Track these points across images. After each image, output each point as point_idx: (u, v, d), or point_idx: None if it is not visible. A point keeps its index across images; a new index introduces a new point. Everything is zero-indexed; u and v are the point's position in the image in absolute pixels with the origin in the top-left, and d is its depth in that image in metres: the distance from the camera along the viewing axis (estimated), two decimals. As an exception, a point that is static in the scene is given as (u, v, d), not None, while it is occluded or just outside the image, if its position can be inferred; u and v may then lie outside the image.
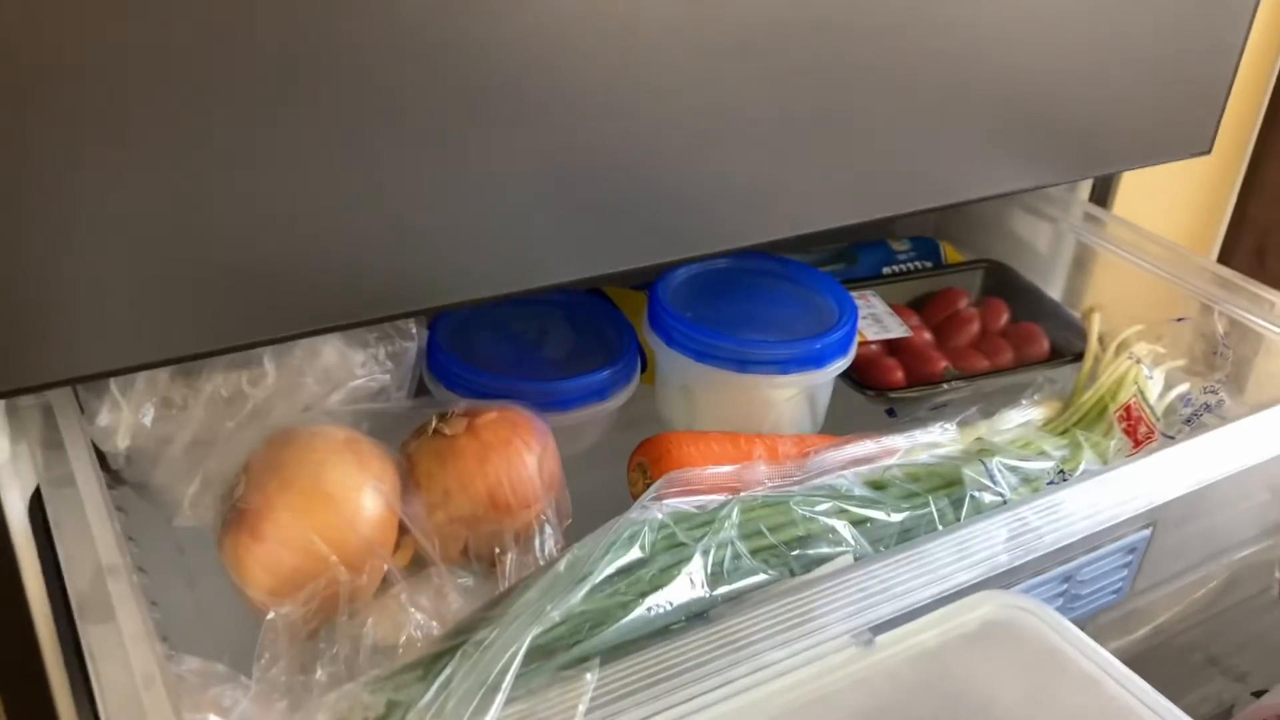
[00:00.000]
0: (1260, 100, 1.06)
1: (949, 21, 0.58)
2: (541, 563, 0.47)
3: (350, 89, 0.44)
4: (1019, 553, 0.46)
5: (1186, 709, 0.69)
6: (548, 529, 0.49)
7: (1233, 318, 0.70)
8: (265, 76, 0.42)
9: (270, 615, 0.45)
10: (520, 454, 0.54)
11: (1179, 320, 0.71)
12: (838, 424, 0.68)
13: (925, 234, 0.85)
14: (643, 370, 0.69)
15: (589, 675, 0.38)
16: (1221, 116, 0.72)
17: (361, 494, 0.49)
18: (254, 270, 0.46)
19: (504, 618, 0.39)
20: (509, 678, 0.36)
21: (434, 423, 0.55)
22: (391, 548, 0.51)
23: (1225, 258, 1.14)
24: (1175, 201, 1.09)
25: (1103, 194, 0.95)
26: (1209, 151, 0.73)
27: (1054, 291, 0.82)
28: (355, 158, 0.45)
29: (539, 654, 0.41)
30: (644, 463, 0.59)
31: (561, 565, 0.42)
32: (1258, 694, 0.66)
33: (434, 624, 0.43)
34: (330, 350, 0.56)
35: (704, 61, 0.51)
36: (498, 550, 0.49)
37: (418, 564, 0.50)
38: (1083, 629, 0.59)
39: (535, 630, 0.38)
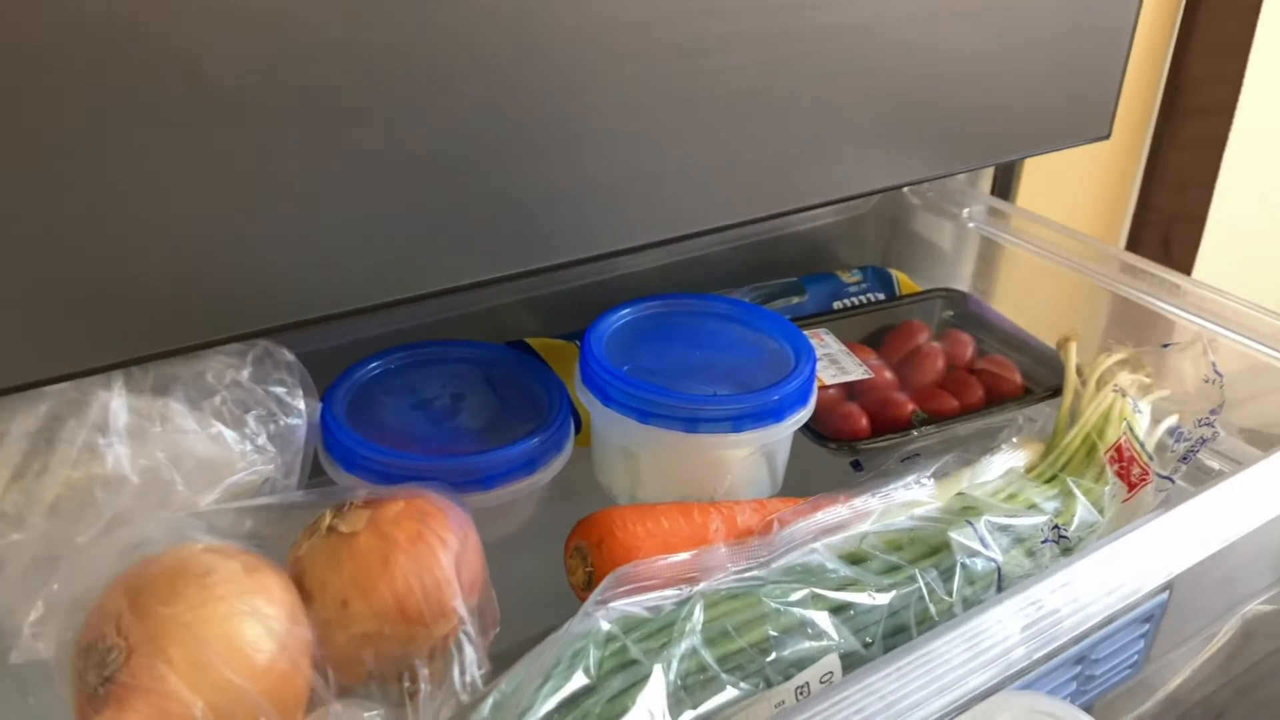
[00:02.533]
0: (1155, 88, 1.05)
1: (836, 7, 0.53)
2: (463, 697, 0.38)
3: (187, 77, 0.38)
4: (1038, 643, 0.39)
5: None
6: (467, 648, 0.40)
7: (1224, 341, 0.65)
8: (88, 66, 0.36)
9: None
10: (434, 551, 0.45)
11: (1165, 346, 0.65)
12: (799, 482, 0.60)
13: (872, 261, 0.79)
14: (577, 432, 0.60)
15: None
16: (1118, 100, 0.69)
17: (273, 646, 0.40)
18: (81, 287, 0.39)
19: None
20: None
21: (328, 518, 0.46)
22: (304, 694, 0.41)
23: (1132, 247, 1.13)
24: (1078, 196, 1.08)
25: (1005, 187, 0.92)
26: (1108, 136, 0.70)
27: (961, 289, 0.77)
28: (194, 156, 0.39)
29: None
30: (583, 546, 0.51)
31: (486, 709, 0.34)
32: (1276, 757, 0.60)
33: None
34: (198, 442, 0.46)
35: (581, 54, 0.47)
36: (407, 683, 0.39)
37: (313, 704, 0.40)
38: (1091, 710, 0.52)
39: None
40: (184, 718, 0.38)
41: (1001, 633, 0.39)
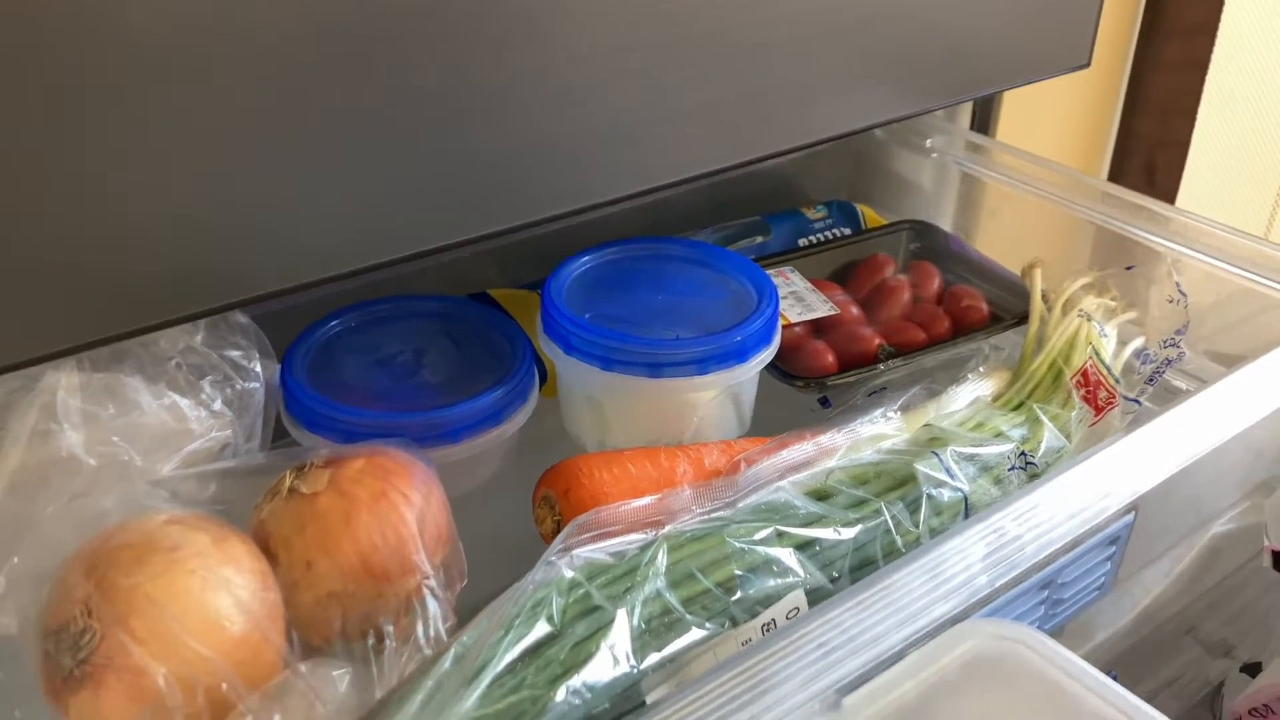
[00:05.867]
0: (1135, 10, 1.03)
1: None
2: (427, 651, 0.38)
3: (122, 38, 0.36)
4: (1001, 569, 0.39)
5: (1176, 690, 0.63)
6: (431, 603, 0.40)
7: (1190, 261, 0.64)
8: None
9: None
10: (397, 508, 0.44)
11: (1129, 268, 0.65)
12: (767, 422, 0.60)
13: (838, 196, 0.78)
14: (543, 382, 0.60)
15: (489, 815, 0.30)
16: (1097, 27, 0.67)
17: (244, 618, 0.40)
18: (26, 274, 0.38)
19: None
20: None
21: (288, 480, 0.45)
22: (277, 662, 0.41)
23: (1114, 178, 1.11)
24: (1060, 126, 1.06)
25: (984, 121, 0.90)
26: (1088, 64, 0.69)
27: (943, 227, 0.76)
28: (149, 126, 0.38)
29: (427, 782, 0.32)
30: (550, 495, 0.51)
31: (448, 660, 0.34)
32: (1246, 667, 0.60)
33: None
34: (153, 415, 0.46)
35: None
36: (372, 640, 0.39)
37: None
38: (1065, 628, 0.53)
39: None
40: (160, 695, 0.38)
41: (963, 561, 0.39)
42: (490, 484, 0.57)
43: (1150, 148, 1.09)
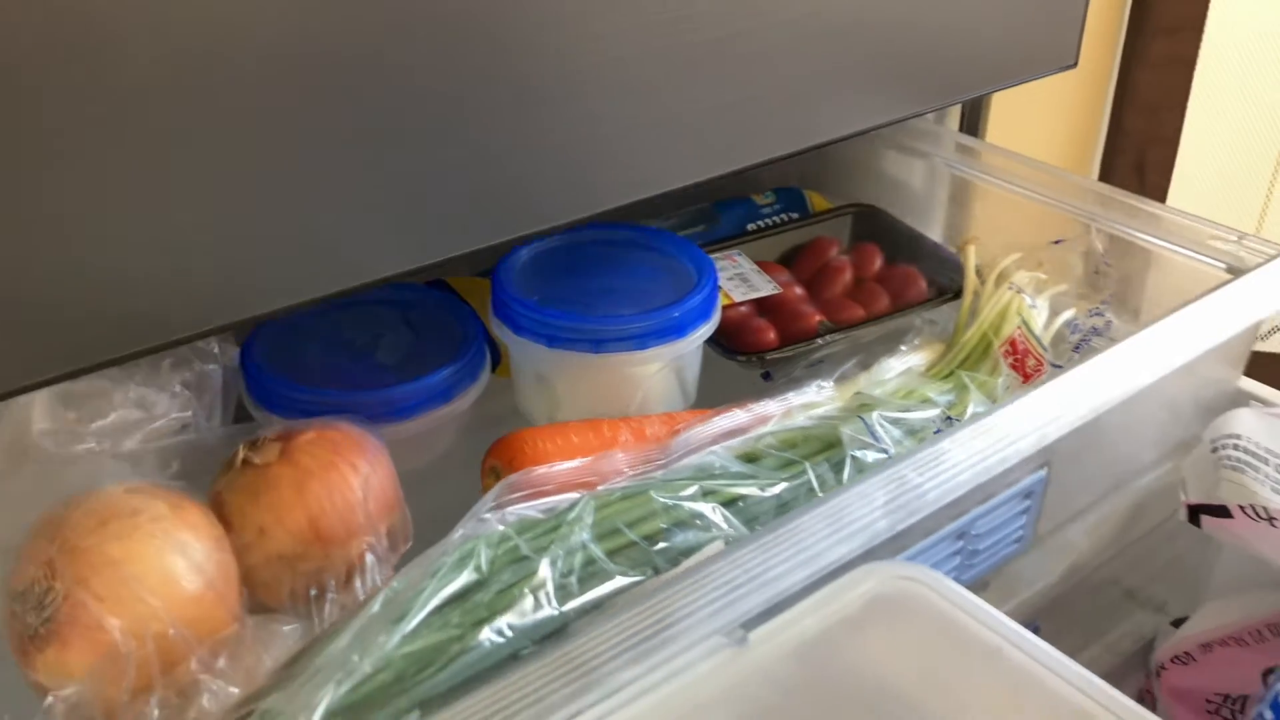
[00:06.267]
0: (1122, 8, 1.04)
1: None
2: (363, 601, 0.41)
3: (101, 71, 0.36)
4: (900, 515, 0.42)
5: (1108, 646, 0.66)
6: (370, 559, 0.43)
7: (1114, 233, 0.67)
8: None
9: (49, 700, 0.38)
10: (344, 476, 0.47)
11: (1056, 242, 0.67)
12: (714, 396, 0.62)
13: (790, 184, 0.81)
14: (497, 364, 0.63)
15: (406, 733, 0.32)
16: (1083, 25, 0.68)
17: (199, 578, 0.43)
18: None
19: (302, 676, 0.33)
20: (301, 754, 0.30)
21: (243, 452, 0.48)
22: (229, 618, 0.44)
23: (1105, 176, 1.12)
24: (1050, 124, 1.07)
25: (973, 123, 0.91)
26: (1075, 64, 0.70)
27: (935, 230, 0.78)
28: (115, 159, 0.38)
29: (358, 711, 0.34)
30: (497, 466, 0.53)
31: (377, 603, 0.36)
32: (1177, 623, 0.63)
33: (232, 690, 0.36)
34: (119, 398, 0.49)
35: (529, 13, 0.45)
36: (313, 592, 0.42)
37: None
38: (990, 583, 0.55)
39: (332, 690, 0.32)
40: (124, 652, 0.41)
41: (864, 507, 0.41)
42: (445, 460, 0.59)
43: (1140, 145, 1.10)
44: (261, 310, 0.44)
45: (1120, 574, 0.62)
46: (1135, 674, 0.65)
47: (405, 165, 0.45)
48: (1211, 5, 1.06)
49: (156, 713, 0.36)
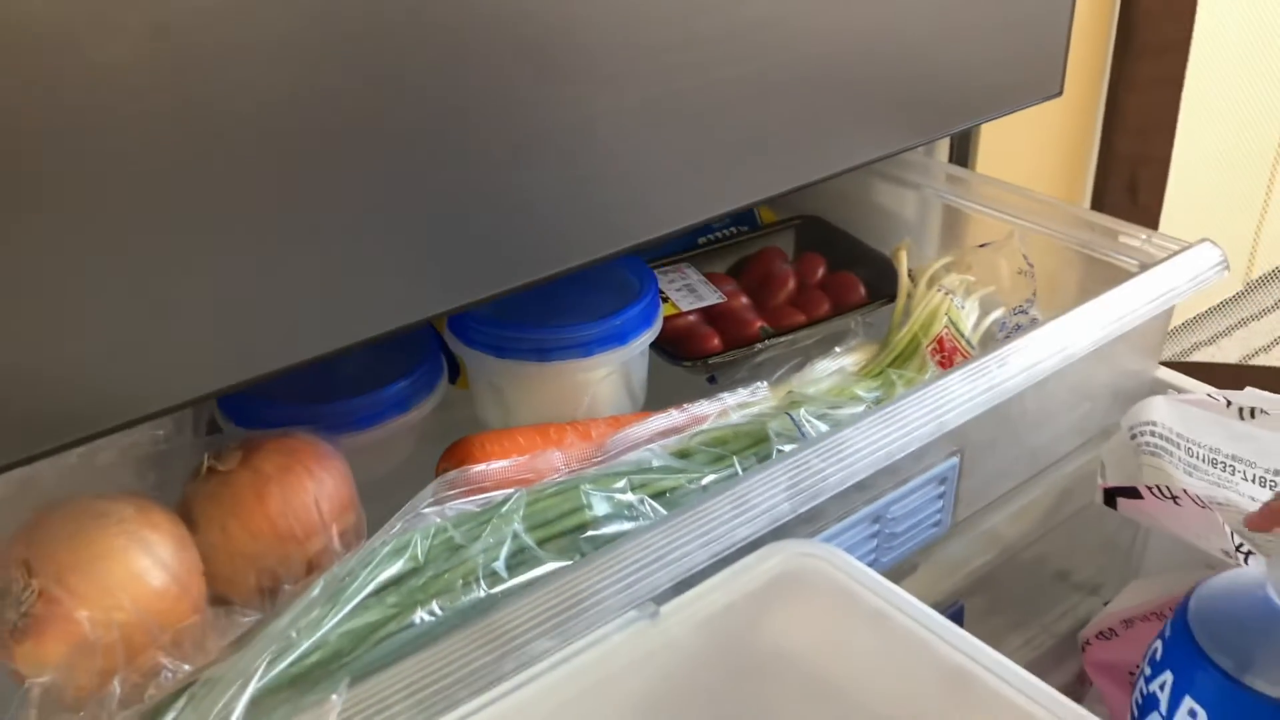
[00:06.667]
0: (1108, 32, 1.05)
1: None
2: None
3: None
4: (802, 498, 0.45)
5: (1045, 627, 0.69)
6: (326, 558, 0.46)
7: (1036, 234, 0.70)
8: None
9: (27, 684, 0.42)
10: (300, 479, 0.51)
11: (983, 246, 0.71)
12: (663, 400, 0.66)
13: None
14: (455, 376, 0.67)
15: (334, 697, 0.36)
16: (1066, 55, 0.70)
17: (163, 574, 0.46)
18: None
19: (242, 651, 0.37)
20: (235, 716, 0.34)
21: (207, 460, 0.52)
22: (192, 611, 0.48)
23: (1098, 198, 1.14)
24: (1042, 147, 1.08)
25: (962, 153, 0.93)
26: (1060, 93, 0.71)
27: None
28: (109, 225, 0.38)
29: (295, 684, 0.38)
30: (448, 469, 0.57)
31: (317, 588, 0.40)
32: (1108, 602, 0.66)
33: (185, 667, 0.40)
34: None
35: (535, 61, 0.46)
36: (268, 585, 0.46)
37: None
38: (918, 566, 0.59)
39: (267, 659, 0.36)
40: (92, 641, 0.44)
41: (768, 490, 0.45)
42: (406, 468, 0.63)
43: (1131, 165, 1.11)
44: (258, 373, 0.45)
45: (1050, 557, 0.65)
46: (1075, 654, 0.68)
47: (397, 227, 0.45)
48: (1197, 26, 1.07)
49: (119, 691, 0.39)
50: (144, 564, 0.46)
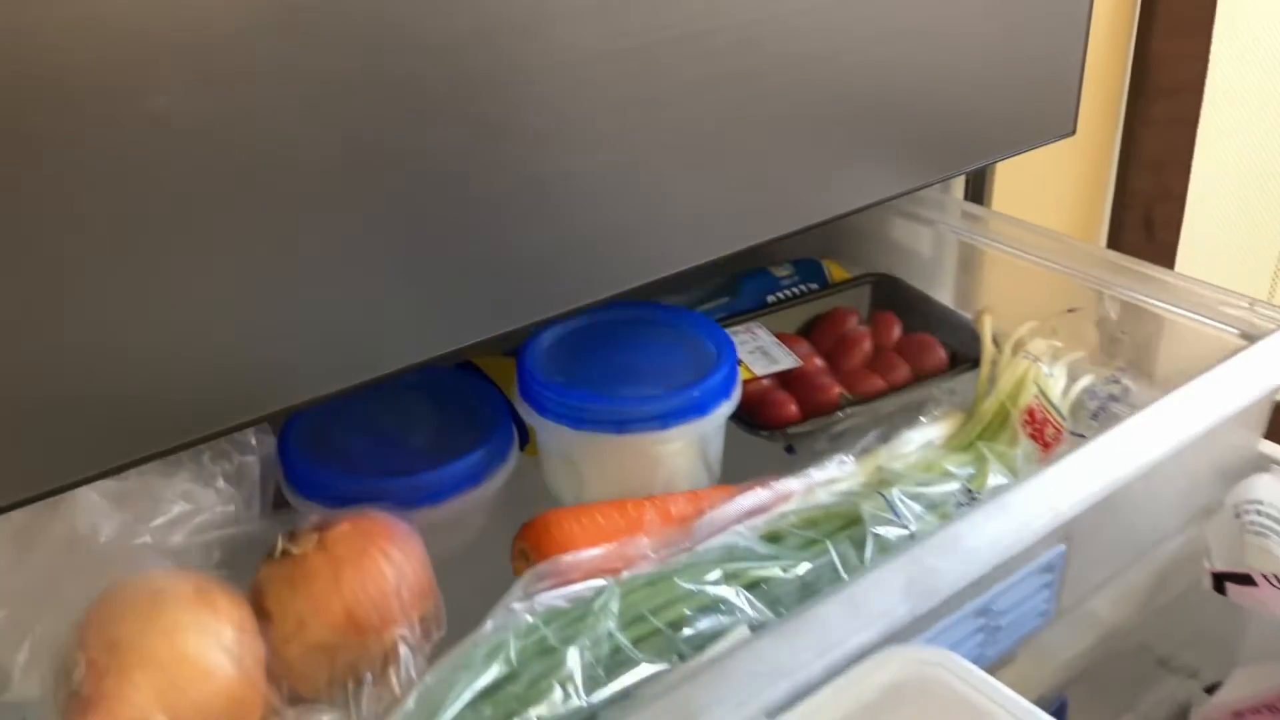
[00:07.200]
0: (1123, 71, 1.06)
1: (799, 33, 0.54)
2: (399, 693, 0.42)
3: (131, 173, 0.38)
4: (920, 600, 0.43)
5: (1142, 715, 0.66)
6: (404, 650, 0.44)
7: (1126, 300, 0.68)
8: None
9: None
10: (378, 565, 0.49)
11: (1070, 311, 0.68)
12: (738, 471, 0.64)
13: (808, 255, 0.82)
14: (525, 443, 0.64)
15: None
16: (1079, 95, 0.70)
17: (221, 657, 0.44)
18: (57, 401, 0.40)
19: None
20: None
21: (281, 543, 0.50)
22: (258, 703, 0.46)
23: (1115, 234, 1.13)
24: (1058, 185, 1.08)
25: (978, 191, 0.93)
26: (1073, 132, 0.71)
27: (944, 296, 0.79)
28: (149, 257, 0.40)
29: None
30: (525, 549, 0.55)
31: (411, 700, 0.38)
32: (1210, 689, 0.63)
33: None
34: (168, 495, 0.51)
35: (549, 100, 0.47)
36: (351, 684, 0.44)
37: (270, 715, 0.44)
38: (1018, 656, 0.56)
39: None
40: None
41: (884, 592, 0.42)
42: (479, 541, 0.61)
43: (1147, 203, 1.11)
44: (299, 400, 0.47)
45: (1149, 642, 0.62)
46: (1170, 741, 0.65)
47: (434, 255, 0.47)
48: (1210, 70, 1.08)
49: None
50: (197, 647, 0.44)
